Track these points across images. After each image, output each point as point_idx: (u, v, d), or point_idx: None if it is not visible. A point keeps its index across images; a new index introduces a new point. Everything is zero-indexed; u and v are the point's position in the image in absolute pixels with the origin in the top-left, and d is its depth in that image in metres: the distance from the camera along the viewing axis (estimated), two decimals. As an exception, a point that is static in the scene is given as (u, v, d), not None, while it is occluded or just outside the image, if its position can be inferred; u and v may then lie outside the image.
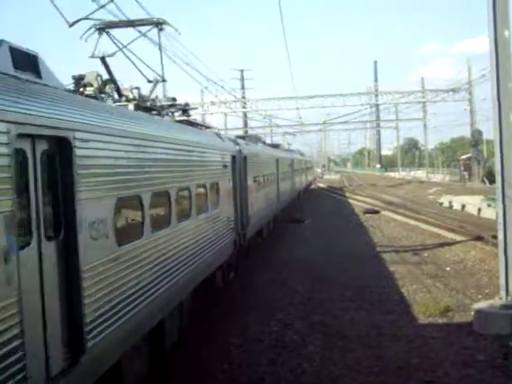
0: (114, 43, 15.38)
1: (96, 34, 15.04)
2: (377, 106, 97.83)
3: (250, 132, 79.62)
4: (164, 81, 16.79)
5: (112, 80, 14.63)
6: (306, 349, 13.98)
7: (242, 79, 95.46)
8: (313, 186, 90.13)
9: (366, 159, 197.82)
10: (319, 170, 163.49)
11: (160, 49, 16.68)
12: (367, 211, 45.75)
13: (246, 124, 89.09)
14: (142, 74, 16.68)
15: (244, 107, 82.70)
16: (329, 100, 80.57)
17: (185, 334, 14.20)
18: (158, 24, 16.13)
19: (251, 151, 26.76)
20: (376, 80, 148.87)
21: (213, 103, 75.11)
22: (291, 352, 13.81)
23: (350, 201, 59.59)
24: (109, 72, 14.76)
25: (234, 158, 21.23)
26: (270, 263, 24.96)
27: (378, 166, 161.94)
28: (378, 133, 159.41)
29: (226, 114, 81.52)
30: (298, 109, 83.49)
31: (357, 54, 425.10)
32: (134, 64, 16.31)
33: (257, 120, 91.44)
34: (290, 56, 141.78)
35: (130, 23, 16.19)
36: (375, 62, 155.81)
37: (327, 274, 22.28)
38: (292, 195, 49.78)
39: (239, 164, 22.49)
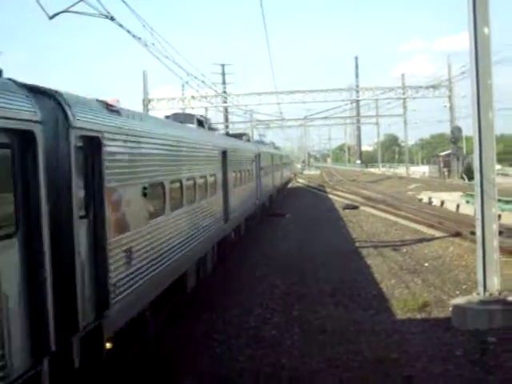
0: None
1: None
2: (357, 101, 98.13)
3: (231, 127, 79.62)
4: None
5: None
6: (284, 344, 14.01)
7: (223, 74, 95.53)
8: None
9: (347, 155, 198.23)
10: (299, 166, 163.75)
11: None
12: (347, 207, 45.88)
13: (226, 119, 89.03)
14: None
15: (225, 102, 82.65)
16: (310, 95, 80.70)
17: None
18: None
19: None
20: (357, 76, 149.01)
21: (193, 97, 74.92)
22: (270, 347, 13.84)
23: (330, 196, 59.69)
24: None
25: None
26: (249, 258, 24.99)
27: (359, 161, 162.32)
28: (359, 129, 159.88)
29: (206, 109, 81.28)
30: (278, 104, 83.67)
31: (338, 49, 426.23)
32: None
33: (238, 115, 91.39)
34: (271, 51, 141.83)
35: None
36: (356, 57, 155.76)
37: (307, 268, 22.33)
38: (255, 201, 35.04)
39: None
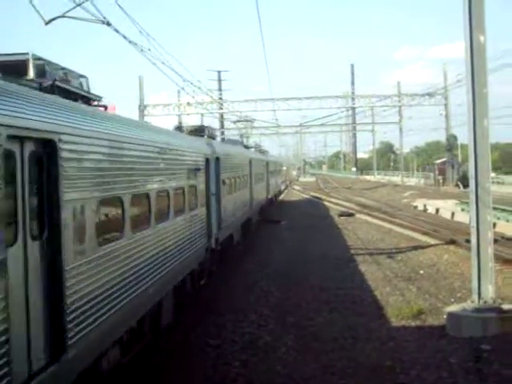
0: None
1: None
2: (353, 109, 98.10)
3: (227, 133, 79.60)
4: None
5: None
6: (279, 350, 14.01)
7: (219, 80, 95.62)
8: (287, 192, 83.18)
9: (342, 162, 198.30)
10: (295, 173, 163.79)
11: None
12: (342, 214, 45.93)
13: (222, 125, 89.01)
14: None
15: (220, 108, 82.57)
16: (305, 102, 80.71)
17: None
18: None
19: (223, 151, 24.92)
20: (353, 83, 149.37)
21: (189, 104, 74.88)
22: (264, 353, 13.84)
23: (326, 203, 59.70)
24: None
25: (207, 160, 20.29)
26: (245, 265, 24.98)
27: (354, 169, 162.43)
28: (354, 136, 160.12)
29: (202, 115, 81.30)
30: (274, 111, 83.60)
31: (334, 56, 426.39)
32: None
33: (233, 121, 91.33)
34: (267, 58, 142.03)
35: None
36: (352, 65, 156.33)
37: (302, 275, 22.32)
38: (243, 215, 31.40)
39: (213, 166, 21.53)
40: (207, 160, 20.33)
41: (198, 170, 18.17)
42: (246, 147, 43.04)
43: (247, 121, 66.28)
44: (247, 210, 32.87)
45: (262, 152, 54.39)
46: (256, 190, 37.64)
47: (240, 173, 30.21)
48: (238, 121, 66.76)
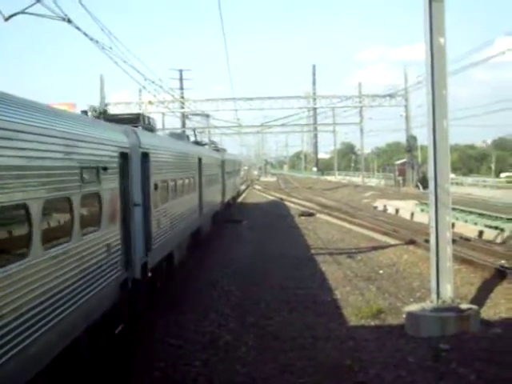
0: None
1: None
2: (314, 109, 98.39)
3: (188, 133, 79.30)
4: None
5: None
6: (239, 350, 14.00)
7: (181, 79, 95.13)
8: (243, 197, 75.96)
9: (303, 162, 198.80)
10: (256, 172, 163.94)
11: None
12: (303, 214, 46.06)
13: (184, 124, 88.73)
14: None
15: (182, 107, 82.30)
16: (267, 102, 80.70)
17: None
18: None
19: (155, 145, 18.83)
20: (314, 84, 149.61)
21: (151, 103, 74.49)
22: (224, 353, 13.82)
23: (286, 203, 59.79)
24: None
25: (123, 155, 14.40)
26: (204, 265, 24.92)
27: (315, 169, 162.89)
28: (315, 136, 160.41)
29: (163, 114, 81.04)
30: (236, 110, 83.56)
31: (296, 57, 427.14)
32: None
33: (195, 121, 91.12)
34: (229, 57, 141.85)
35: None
36: (314, 65, 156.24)
37: (261, 275, 22.36)
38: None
39: (136, 164, 15.80)
40: (124, 155, 14.28)
41: (103, 169, 12.30)
42: (198, 143, 37.45)
43: (202, 115, 62.39)
44: (195, 218, 27.07)
45: (218, 150, 49.30)
46: (208, 194, 32.21)
47: (184, 174, 24.32)
48: (194, 114, 63.26)
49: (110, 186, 12.91)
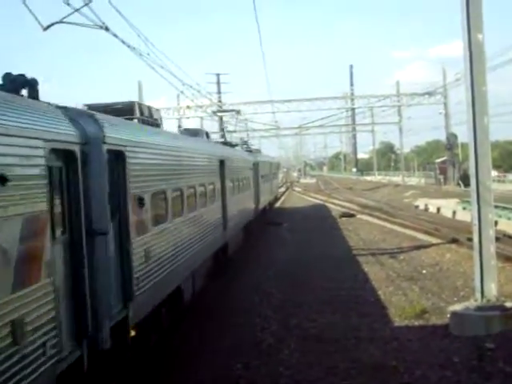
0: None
1: None
2: (353, 109, 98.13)
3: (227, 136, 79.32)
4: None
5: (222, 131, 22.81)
6: (282, 352, 13.97)
7: (218, 83, 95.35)
8: (283, 199, 74.34)
9: (342, 163, 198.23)
10: (295, 174, 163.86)
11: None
12: (343, 215, 45.86)
13: (222, 128, 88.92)
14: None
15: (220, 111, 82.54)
16: (305, 104, 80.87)
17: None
18: (237, 112, 23.38)
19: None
20: (352, 84, 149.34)
21: (189, 107, 74.90)
22: (267, 356, 13.80)
23: (327, 204, 59.64)
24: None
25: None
26: (248, 266, 24.95)
27: (354, 169, 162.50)
28: (354, 137, 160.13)
29: (202, 118, 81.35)
30: (274, 113, 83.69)
31: (333, 58, 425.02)
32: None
33: (233, 124, 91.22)
34: (266, 60, 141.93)
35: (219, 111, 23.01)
36: (351, 66, 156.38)
37: (303, 277, 22.30)
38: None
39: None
40: (69, 155, 9.25)
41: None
42: (226, 144, 32.44)
43: (232, 111, 53.37)
44: (218, 235, 22.10)
45: (251, 151, 43.50)
46: (235, 203, 26.99)
47: (198, 180, 18.90)
48: (220, 111, 53.81)
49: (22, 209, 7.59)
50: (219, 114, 51.94)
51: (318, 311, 17.51)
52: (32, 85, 10.03)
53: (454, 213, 41.49)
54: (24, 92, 9.77)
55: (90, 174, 9.71)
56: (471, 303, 15.49)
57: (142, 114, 15.45)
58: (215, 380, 12.65)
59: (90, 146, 9.78)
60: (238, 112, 52.87)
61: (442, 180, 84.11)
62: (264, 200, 44.04)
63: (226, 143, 32.53)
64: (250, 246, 30.54)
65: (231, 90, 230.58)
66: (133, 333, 11.42)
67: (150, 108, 16.67)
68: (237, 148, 35.99)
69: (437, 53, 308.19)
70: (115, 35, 18.58)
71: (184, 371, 13.00)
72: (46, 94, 10.22)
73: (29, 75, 9.90)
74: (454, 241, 28.04)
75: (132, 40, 20.81)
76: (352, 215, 45.64)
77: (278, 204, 64.32)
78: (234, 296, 19.86)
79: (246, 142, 46.89)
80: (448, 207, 44.44)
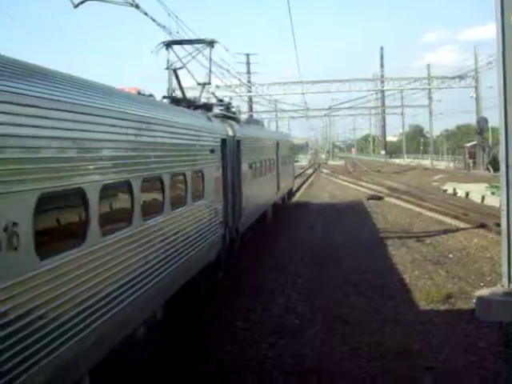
0: (178, 58, 18.89)
1: (164, 50, 18.56)
2: (382, 92, 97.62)
3: (256, 117, 79.46)
4: (209, 83, 21.66)
5: (180, 87, 19.65)
6: (307, 333, 14.01)
7: (248, 63, 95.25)
8: (311, 180, 74.18)
9: (371, 145, 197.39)
10: (323, 156, 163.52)
11: (210, 63, 20.57)
12: (371, 197, 45.72)
13: (251, 108, 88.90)
14: (195, 79, 20.90)
15: (249, 91, 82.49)
16: (334, 85, 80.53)
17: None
18: (211, 43, 19.94)
19: (246, 134, 22.45)
20: (382, 66, 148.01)
21: (218, 87, 74.88)
22: (292, 336, 13.85)
23: (354, 186, 59.48)
24: (178, 82, 19.50)
25: (224, 141, 17.84)
26: (272, 247, 24.99)
27: (383, 152, 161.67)
28: (383, 119, 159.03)
29: (231, 98, 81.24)
30: (303, 94, 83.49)
31: (363, 39, 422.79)
32: (189, 72, 19.86)
33: (262, 105, 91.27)
34: (296, 41, 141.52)
35: (189, 42, 20.42)
36: (381, 47, 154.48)
37: (329, 258, 22.30)
38: None
39: (231, 149, 18.97)
40: (224, 141, 17.85)
41: (212, 151, 16.41)
42: (229, 117, 22.00)
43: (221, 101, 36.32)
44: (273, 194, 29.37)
45: (229, 117, 23.19)
46: (254, 193, 24.05)
47: (270, 155, 28.41)
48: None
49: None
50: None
51: (344, 293, 17.51)
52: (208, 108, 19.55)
53: (483, 197, 41.17)
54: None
55: (227, 150, 18.12)
56: (498, 288, 15.42)
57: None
58: (242, 356, 12.72)
59: (229, 137, 18.67)
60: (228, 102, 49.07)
61: (471, 164, 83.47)
62: (286, 186, 40.25)
63: (228, 116, 22.00)
64: (277, 225, 30.65)
65: (261, 71, 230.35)
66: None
67: (228, 105, 24.03)
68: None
69: (469, 35, 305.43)
70: (145, 13, 18.61)
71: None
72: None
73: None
74: (482, 226, 27.86)
75: (162, 19, 20.85)
76: (380, 198, 45.47)
77: (298, 192, 63.97)
78: (259, 275, 19.89)
79: (225, 104, 25.44)
80: (477, 192, 44.11)
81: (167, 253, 11.67)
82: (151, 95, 14.08)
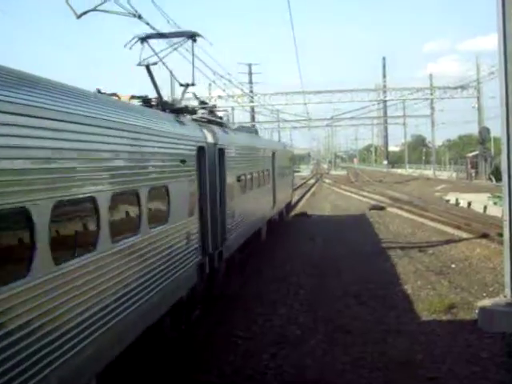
0: (155, 53, 16.84)
1: (139, 44, 16.62)
2: (384, 102, 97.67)
3: (258, 127, 79.55)
4: (193, 84, 18.26)
5: (155, 86, 16.57)
6: (309, 344, 13.96)
7: (250, 73, 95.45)
8: (313, 191, 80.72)
9: (373, 155, 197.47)
10: (326, 166, 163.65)
11: (193, 59, 18.07)
12: (373, 207, 45.69)
13: (253, 118, 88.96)
14: (176, 79, 18.51)
15: (251, 101, 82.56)
16: (336, 95, 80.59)
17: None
18: (192, 36, 17.79)
19: (232, 142, 19.62)
20: (384, 76, 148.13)
21: (220, 97, 74.98)
22: (294, 347, 13.80)
23: (356, 196, 59.46)
24: (152, 79, 16.60)
25: (201, 149, 15.09)
26: (273, 258, 24.94)
27: (385, 162, 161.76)
28: (385, 129, 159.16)
29: (233, 108, 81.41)
30: (305, 104, 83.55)
31: (365, 50, 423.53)
32: (169, 71, 18.12)
33: (264, 115, 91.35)
34: (298, 51, 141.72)
35: (167, 35, 17.71)
36: (384, 58, 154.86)
37: (331, 269, 22.26)
38: None
39: (211, 159, 16.28)
40: (201, 150, 15.31)
41: (183, 161, 13.70)
42: (213, 121, 19.81)
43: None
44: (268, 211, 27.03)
45: (252, 131, 33.72)
46: (243, 210, 21.38)
47: (261, 167, 26.36)
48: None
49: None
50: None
51: (346, 304, 17.47)
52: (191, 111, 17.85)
53: (485, 208, 41.11)
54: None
55: (206, 160, 15.42)
56: (500, 299, 15.36)
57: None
58: (245, 367, 12.68)
59: (207, 145, 15.79)
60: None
61: (473, 174, 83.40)
62: (284, 199, 37.61)
63: (209, 121, 19.30)
64: (279, 236, 30.59)
65: (263, 81, 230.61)
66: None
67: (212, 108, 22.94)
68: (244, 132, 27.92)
69: (471, 46, 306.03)
70: (147, 23, 18.58)
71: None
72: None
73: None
74: (485, 236, 27.80)
75: (164, 28, 20.82)
76: (382, 208, 45.44)
77: (300, 204, 63.98)
78: (260, 285, 19.84)
79: (208, 107, 23.99)
80: (479, 202, 44.04)
81: (103, 303, 8.45)
82: (114, 94, 13.54)
